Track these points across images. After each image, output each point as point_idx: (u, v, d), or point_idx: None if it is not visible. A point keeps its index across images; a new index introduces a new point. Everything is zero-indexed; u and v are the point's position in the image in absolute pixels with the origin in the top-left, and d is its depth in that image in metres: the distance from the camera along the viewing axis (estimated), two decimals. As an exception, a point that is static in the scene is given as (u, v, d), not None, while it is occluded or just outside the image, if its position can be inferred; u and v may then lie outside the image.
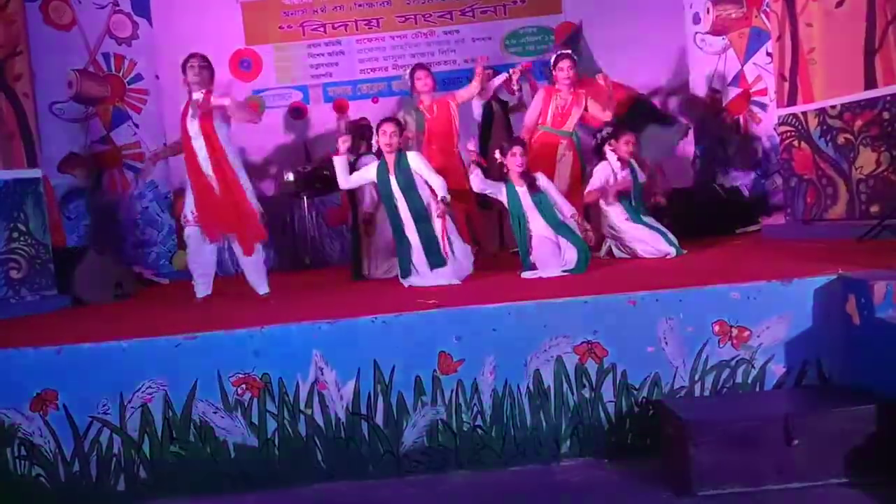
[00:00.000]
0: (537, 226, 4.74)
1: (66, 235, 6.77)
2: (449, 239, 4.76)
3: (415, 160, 4.80)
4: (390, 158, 4.80)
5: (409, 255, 4.73)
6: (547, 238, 4.72)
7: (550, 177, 5.07)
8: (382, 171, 4.82)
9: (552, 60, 5.71)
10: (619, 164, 5.44)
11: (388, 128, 4.78)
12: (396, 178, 4.75)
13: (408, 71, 5.69)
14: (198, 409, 3.33)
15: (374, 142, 5.58)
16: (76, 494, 3.34)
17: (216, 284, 4.93)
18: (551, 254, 4.68)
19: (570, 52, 5.71)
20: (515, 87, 5.88)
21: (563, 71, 5.53)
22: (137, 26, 7.44)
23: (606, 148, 5.50)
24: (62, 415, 3.32)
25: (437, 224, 4.72)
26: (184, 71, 4.75)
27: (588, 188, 5.41)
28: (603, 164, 5.47)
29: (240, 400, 3.34)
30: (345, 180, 4.97)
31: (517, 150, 4.79)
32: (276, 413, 3.34)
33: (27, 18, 6.09)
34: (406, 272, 4.74)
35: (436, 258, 4.66)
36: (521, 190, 4.77)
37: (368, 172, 4.94)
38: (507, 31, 7.71)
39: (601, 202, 5.42)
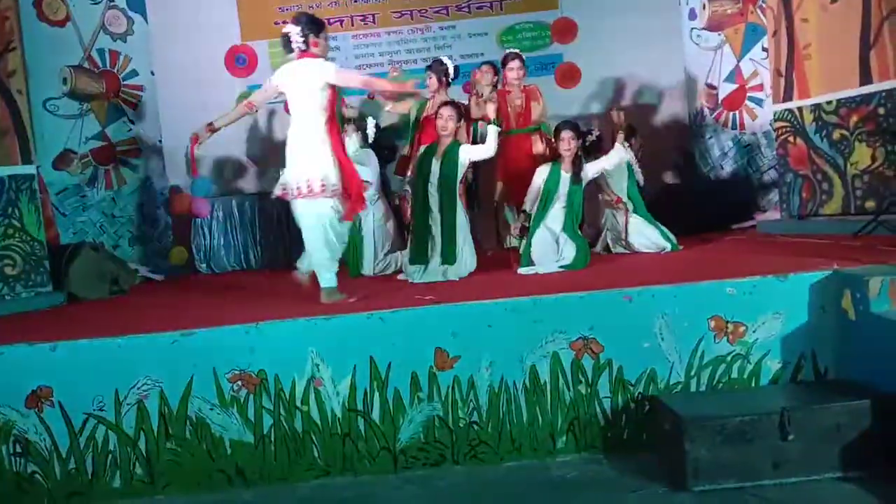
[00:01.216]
0: (553, 218, 4.75)
1: (61, 232, 6.76)
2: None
3: (465, 153, 4.72)
4: (444, 143, 4.74)
5: (427, 243, 4.66)
6: (548, 233, 4.72)
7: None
8: (429, 152, 4.77)
9: (501, 60, 5.70)
10: (634, 159, 5.52)
11: (445, 111, 4.74)
12: (442, 164, 4.68)
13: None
14: (194, 406, 3.33)
15: (369, 133, 5.60)
16: (72, 491, 3.33)
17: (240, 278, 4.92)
18: (549, 250, 4.68)
19: (518, 51, 5.72)
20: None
21: (514, 71, 5.55)
22: (132, 22, 7.40)
23: (625, 145, 5.50)
24: (57, 411, 3.32)
25: (461, 219, 4.68)
26: (314, 35, 4.05)
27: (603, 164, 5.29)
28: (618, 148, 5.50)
29: (236, 396, 3.33)
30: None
31: (566, 135, 4.83)
32: (272, 409, 3.34)
33: (21, 14, 6.04)
34: (421, 259, 4.66)
35: (450, 255, 4.63)
36: (566, 175, 4.79)
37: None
38: (502, 27, 7.69)
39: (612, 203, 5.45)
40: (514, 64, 5.54)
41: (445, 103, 4.90)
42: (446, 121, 4.69)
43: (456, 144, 4.73)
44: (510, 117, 5.61)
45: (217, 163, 7.63)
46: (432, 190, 4.69)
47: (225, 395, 3.33)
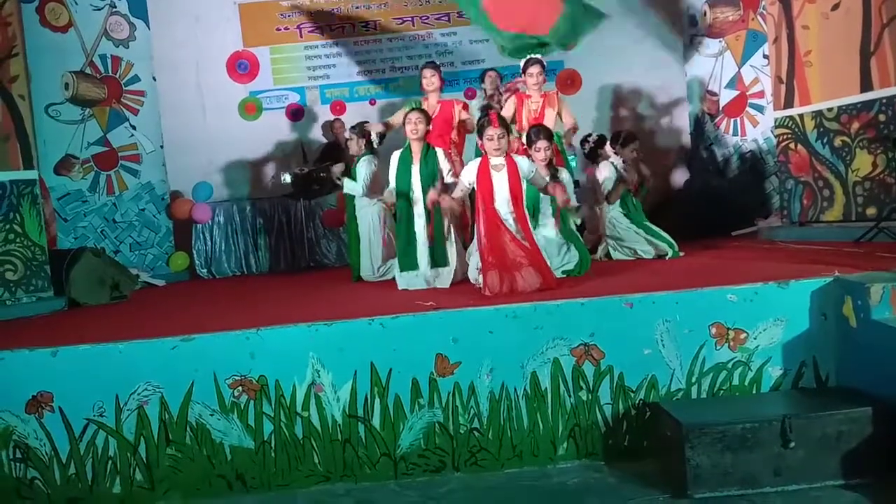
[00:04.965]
0: (546, 225, 4.74)
1: (62, 237, 6.77)
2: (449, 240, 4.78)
3: (441, 156, 4.80)
4: (416, 147, 4.79)
5: (414, 249, 4.70)
6: (544, 242, 4.71)
7: None
8: (405, 158, 4.79)
9: (521, 65, 5.69)
10: (623, 164, 5.58)
11: (414, 116, 4.80)
12: (420, 168, 4.72)
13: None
14: (194, 412, 3.32)
15: (373, 139, 5.63)
16: (72, 497, 3.32)
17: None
18: (552, 255, 4.67)
19: (539, 56, 5.71)
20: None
21: (533, 77, 5.51)
22: (134, 28, 7.43)
23: (609, 150, 5.60)
24: (57, 417, 3.31)
25: (447, 222, 4.72)
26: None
27: (605, 192, 5.51)
28: (605, 164, 5.59)
29: (236, 402, 3.33)
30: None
31: (542, 144, 4.82)
32: (272, 415, 3.34)
33: (23, 20, 6.07)
34: (410, 265, 4.69)
35: (440, 257, 4.67)
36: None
37: (392, 162, 4.88)
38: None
39: (604, 204, 5.51)
40: (534, 69, 5.50)
41: (413, 109, 4.95)
42: (415, 124, 4.76)
43: (432, 148, 4.79)
44: (523, 121, 5.60)
45: (218, 167, 7.65)
46: (416, 196, 4.71)
47: (225, 401, 3.32)
